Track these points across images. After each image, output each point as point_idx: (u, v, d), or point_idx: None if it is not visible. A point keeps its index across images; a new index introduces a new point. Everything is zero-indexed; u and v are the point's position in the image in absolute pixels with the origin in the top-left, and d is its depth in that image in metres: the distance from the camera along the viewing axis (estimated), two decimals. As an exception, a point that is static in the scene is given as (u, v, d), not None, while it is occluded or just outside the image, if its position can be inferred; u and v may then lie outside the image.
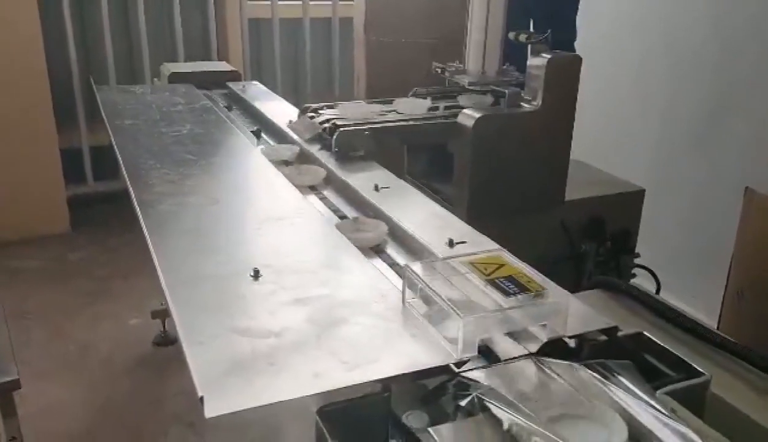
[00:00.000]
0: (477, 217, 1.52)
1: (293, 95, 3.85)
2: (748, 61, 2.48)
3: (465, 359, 0.82)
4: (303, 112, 1.89)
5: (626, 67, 3.02)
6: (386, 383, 0.79)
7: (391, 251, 1.22)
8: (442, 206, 1.37)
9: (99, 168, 3.61)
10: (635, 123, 3.01)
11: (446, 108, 1.90)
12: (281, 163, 1.64)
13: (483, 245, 1.12)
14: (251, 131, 1.96)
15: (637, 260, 2.05)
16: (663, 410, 0.74)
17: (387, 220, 1.28)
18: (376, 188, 1.42)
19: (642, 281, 2.02)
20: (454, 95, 1.99)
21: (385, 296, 0.96)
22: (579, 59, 1.82)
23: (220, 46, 3.87)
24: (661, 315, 1.13)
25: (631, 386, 0.78)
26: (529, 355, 0.86)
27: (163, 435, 2.08)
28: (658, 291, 2.05)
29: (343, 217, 1.37)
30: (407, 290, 0.94)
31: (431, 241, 1.16)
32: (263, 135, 1.94)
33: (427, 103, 1.90)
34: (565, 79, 1.79)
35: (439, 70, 2.00)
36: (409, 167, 2.09)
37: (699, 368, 0.85)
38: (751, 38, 2.46)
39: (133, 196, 1.33)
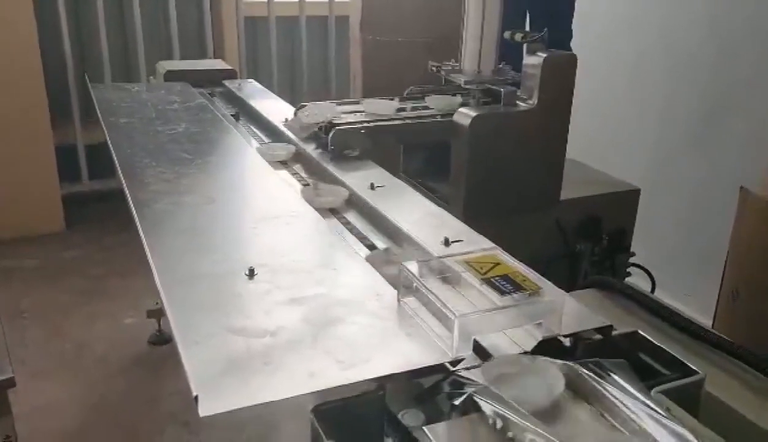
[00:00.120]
0: (473, 216, 1.53)
1: (289, 94, 3.84)
2: (746, 61, 2.49)
3: (460, 357, 0.82)
4: (299, 110, 1.88)
5: (623, 67, 3.03)
6: (381, 382, 0.79)
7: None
8: (438, 205, 1.37)
9: (94, 166, 3.60)
10: (632, 123, 3.01)
11: (413, 109, 1.89)
12: (277, 162, 1.64)
13: (479, 244, 1.13)
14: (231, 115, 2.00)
15: (632, 259, 2.05)
16: (658, 409, 0.74)
17: (382, 218, 1.28)
18: (372, 187, 1.42)
19: (637, 280, 2.02)
20: (448, 94, 1.99)
21: (381, 295, 0.96)
22: (575, 58, 1.82)
23: (216, 44, 3.87)
24: (656, 314, 1.14)
25: (625, 384, 0.79)
26: (524, 354, 0.86)
27: (159, 434, 2.07)
28: (653, 290, 2.06)
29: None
30: (402, 289, 0.94)
31: (427, 239, 1.16)
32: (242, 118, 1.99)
33: (395, 104, 1.89)
34: (560, 78, 1.79)
35: (435, 69, 2.00)
36: (405, 166, 2.09)
37: (693, 367, 0.85)
38: (748, 39, 2.47)
39: (128, 194, 1.33)
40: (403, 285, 0.93)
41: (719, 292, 1.77)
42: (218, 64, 2.81)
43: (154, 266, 1.02)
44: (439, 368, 0.82)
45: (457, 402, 0.76)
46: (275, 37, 3.90)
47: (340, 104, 1.89)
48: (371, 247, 1.22)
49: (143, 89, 2.40)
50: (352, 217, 1.36)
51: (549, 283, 0.91)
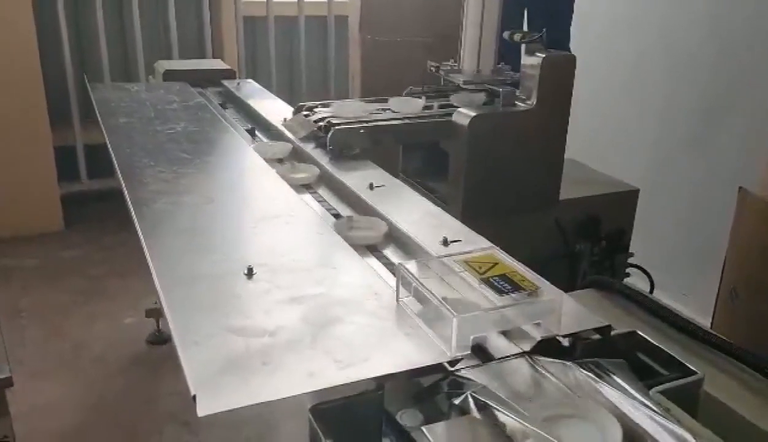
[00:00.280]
0: (472, 216, 1.53)
1: (288, 94, 3.84)
2: (745, 62, 2.49)
3: (459, 357, 0.82)
4: (298, 110, 1.88)
5: (622, 67, 3.03)
6: (380, 381, 0.79)
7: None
8: (437, 205, 1.37)
9: (93, 166, 3.60)
10: (631, 123, 3.01)
11: (440, 107, 1.90)
12: (275, 161, 1.64)
13: (477, 244, 1.13)
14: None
15: (631, 260, 2.05)
16: (656, 409, 0.74)
17: (381, 218, 1.28)
18: (371, 187, 1.42)
19: (636, 281, 2.03)
20: (448, 94, 1.99)
21: (379, 295, 0.96)
22: (573, 58, 1.82)
23: (215, 44, 3.87)
24: (654, 314, 1.14)
25: (624, 384, 0.79)
26: (523, 353, 0.86)
27: (158, 434, 2.07)
28: (651, 290, 2.06)
29: (337, 215, 1.37)
30: (401, 289, 0.94)
31: (426, 239, 1.16)
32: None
33: (422, 102, 1.90)
34: (559, 78, 1.79)
35: (434, 69, 2.00)
36: (404, 166, 2.09)
37: (692, 367, 0.85)
38: (748, 39, 2.47)
39: (127, 194, 1.32)
40: (402, 285, 0.93)
41: (718, 292, 1.77)
42: (217, 64, 2.81)
43: (153, 266, 1.02)
44: (437, 368, 0.82)
45: (455, 402, 0.76)
46: (274, 37, 3.90)
47: (368, 103, 1.89)
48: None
49: (142, 89, 2.40)
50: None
51: (547, 283, 0.91)
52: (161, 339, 2.49)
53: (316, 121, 1.74)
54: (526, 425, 0.70)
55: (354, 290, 0.98)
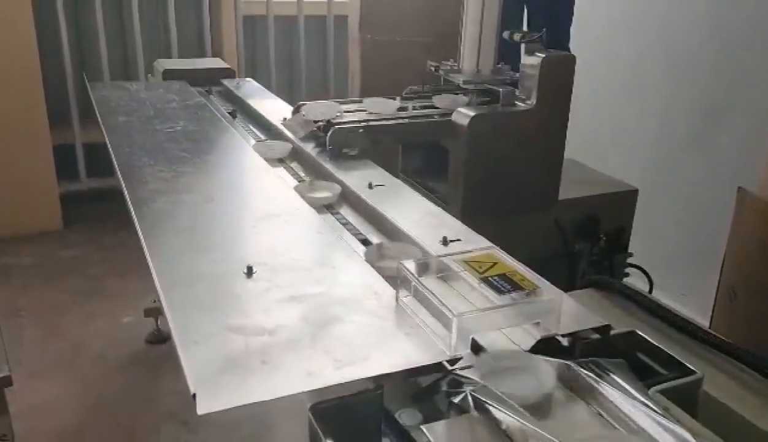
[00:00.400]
0: (471, 215, 1.53)
1: (287, 93, 3.84)
2: (745, 62, 2.49)
3: (458, 356, 0.82)
4: (297, 110, 1.88)
5: (622, 68, 3.03)
6: (379, 380, 0.79)
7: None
8: (437, 205, 1.37)
9: (92, 165, 3.60)
10: (631, 123, 3.02)
11: (414, 108, 1.89)
12: (274, 161, 1.64)
13: (477, 244, 1.13)
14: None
15: (630, 260, 2.05)
16: (656, 408, 0.74)
17: (381, 218, 1.28)
18: (370, 186, 1.42)
19: (635, 281, 2.03)
20: (431, 96, 1.98)
21: (379, 294, 0.96)
22: (573, 58, 1.82)
23: (215, 43, 3.86)
24: (653, 314, 1.14)
25: (624, 384, 0.79)
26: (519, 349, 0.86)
27: (156, 433, 2.07)
28: (650, 290, 2.06)
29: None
30: (401, 288, 0.94)
31: (425, 239, 1.16)
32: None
33: (397, 103, 1.89)
34: (559, 78, 1.79)
35: (434, 69, 2.00)
36: (404, 166, 2.09)
37: (691, 367, 0.85)
38: (748, 39, 2.47)
39: (126, 194, 1.32)
40: (402, 284, 0.93)
41: (717, 292, 1.77)
42: (216, 63, 2.81)
43: (153, 266, 1.02)
44: (436, 367, 0.82)
45: (455, 401, 0.76)
46: (274, 37, 3.90)
47: (342, 103, 1.89)
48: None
49: (142, 88, 2.40)
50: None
51: (547, 282, 0.91)
52: (160, 338, 2.48)
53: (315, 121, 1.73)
54: (525, 423, 0.70)
55: (353, 289, 0.98)
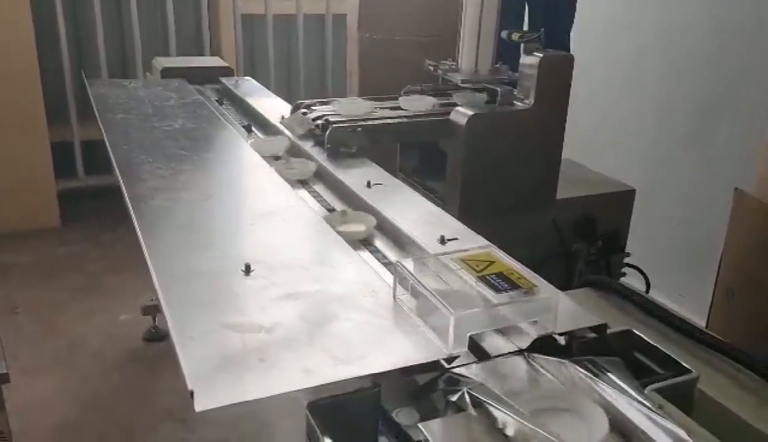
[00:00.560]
0: (469, 214, 1.53)
1: (286, 91, 3.84)
2: (744, 61, 2.50)
3: (455, 354, 0.82)
4: (296, 108, 1.88)
5: (621, 67, 3.03)
6: (376, 378, 0.79)
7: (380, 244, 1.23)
8: (435, 204, 1.38)
9: (90, 162, 3.59)
10: (628, 123, 3.02)
11: (441, 106, 1.89)
12: (272, 158, 1.64)
13: (475, 242, 1.13)
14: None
15: (627, 259, 2.06)
16: (652, 407, 0.74)
17: (380, 217, 1.28)
18: (369, 185, 1.42)
19: (632, 280, 2.03)
20: (449, 93, 1.99)
21: (376, 292, 0.96)
22: (571, 58, 1.83)
23: (213, 41, 3.86)
24: (650, 314, 1.14)
25: (619, 382, 0.79)
26: (520, 351, 0.86)
27: (154, 431, 2.07)
28: (647, 290, 2.06)
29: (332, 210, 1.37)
30: (398, 286, 0.94)
31: (423, 237, 1.16)
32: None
33: (433, 100, 1.89)
34: (557, 78, 1.79)
35: (432, 68, 2.00)
36: (402, 165, 2.09)
37: (687, 366, 0.85)
38: (746, 39, 2.47)
39: (124, 191, 1.32)
40: (399, 282, 0.94)
41: (713, 292, 1.77)
42: (215, 62, 2.81)
43: (151, 263, 1.02)
44: (434, 365, 0.82)
45: (452, 399, 0.76)
46: (272, 35, 3.90)
47: (365, 100, 1.90)
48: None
49: (140, 86, 2.39)
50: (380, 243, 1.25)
51: (544, 281, 0.91)
52: (158, 336, 2.48)
53: (314, 119, 1.74)
54: (522, 422, 0.71)
55: (351, 287, 0.99)
